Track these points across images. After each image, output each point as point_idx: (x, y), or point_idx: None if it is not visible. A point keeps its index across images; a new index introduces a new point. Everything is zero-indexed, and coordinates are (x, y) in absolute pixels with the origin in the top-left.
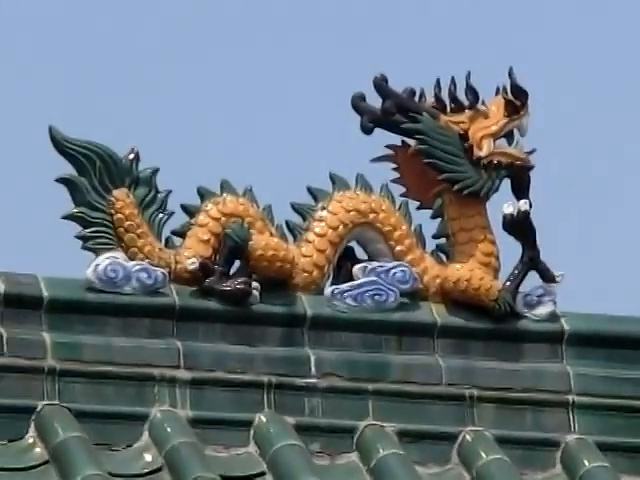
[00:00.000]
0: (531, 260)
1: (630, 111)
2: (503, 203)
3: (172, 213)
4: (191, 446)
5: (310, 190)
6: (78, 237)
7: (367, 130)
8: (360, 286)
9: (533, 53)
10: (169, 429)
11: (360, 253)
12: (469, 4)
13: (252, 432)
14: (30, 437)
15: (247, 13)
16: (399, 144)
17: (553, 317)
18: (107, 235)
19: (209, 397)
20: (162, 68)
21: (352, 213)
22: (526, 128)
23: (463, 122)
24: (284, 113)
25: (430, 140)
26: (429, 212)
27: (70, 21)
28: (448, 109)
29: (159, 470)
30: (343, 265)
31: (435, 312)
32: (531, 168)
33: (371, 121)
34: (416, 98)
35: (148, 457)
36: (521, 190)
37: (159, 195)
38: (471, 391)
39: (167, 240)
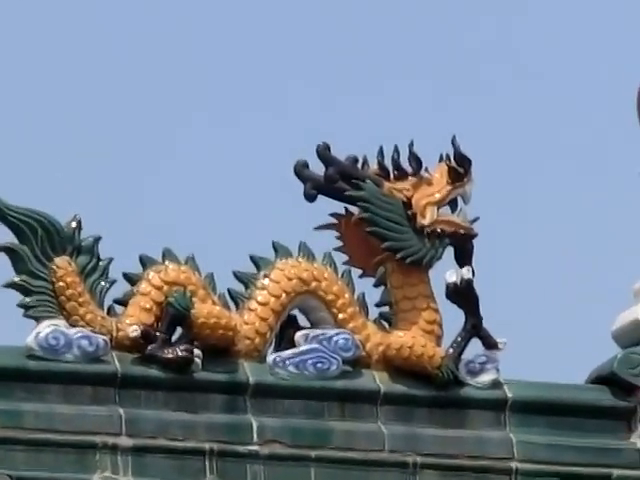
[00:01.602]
0: (474, 327)
1: (575, 169)
2: (446, 270)
3: (114, 281)
4: None
5: (252, 258)
6: (20, 305)
7: (310, 197)
8: (302, 353)
9: (476, 121)
10: None
11: (303, 321)
12: (412, 73)
13: None
14: None
15: (191, 85)
16: (342, 212)
17: (496, 384)
18: (49, 303)
19: (151, 464)
20: (103, 136)
21: (294, 281)
22: (470, 196)
23: (407, 189)
24: (226, 180)
25: (373, 208)
26: (372, 280)
27: (10, 91)
28: (391, 176)
29: None
30: (285, 333)
31: (378, 379)
32: (474, 236)
33: (314, 188)
34: (359, 165)
35: None
36: (464, 258)
37: (101, 263)
38: (414, 458)
39: (109, 308)
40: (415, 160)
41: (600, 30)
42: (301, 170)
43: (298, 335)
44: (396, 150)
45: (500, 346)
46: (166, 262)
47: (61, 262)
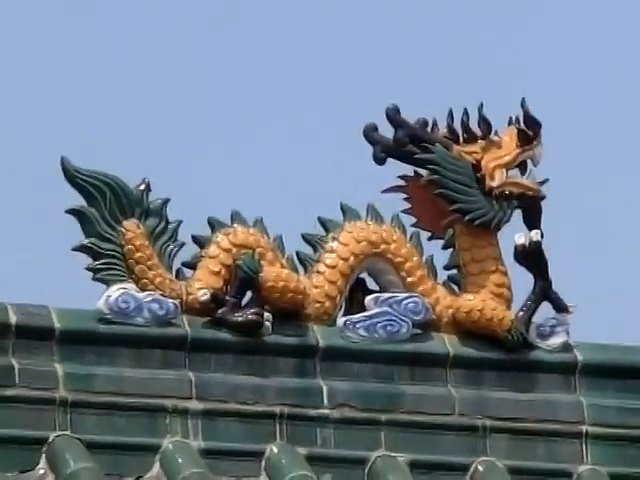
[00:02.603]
0: (543, 290)
1: None
2: (515, 233)
3: (183, 244)
4: (202, 476)
5: (321, 220)
6: (89, 269)
7: (379, 160)
8: (372, 317)
9: (546, 83)
10: (180, 460)
11: (371, 284)
12: (483, 36)
13: (264, 463)
14: (41, 468)
15: (256, 44)
16: (412, 175)
17: (566, 347)
18: (118, 266)
19: (221, 428)
20: (172, 100)
21: (363, 244)
22: (539, 158)
23: (476, 152)
24: (295, 142)
25: (442, 170)
26: (441, 242)
27: (80, 58)
28: (461, 139)
29: None
30: (355, 296)
31: (447, 343)
32: (543, 198)
33: (383, 151)
34: (428, 128)
35: None
36: (533, 220)
37: (170, 226)
38: (483, 421)
39: (178, 271)
40: (484, 123)
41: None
42: (370, 133)
43: (368, 298)
44: (465, 113)
45: (571, 309)
46: (234, 225)
47: (130, 225)
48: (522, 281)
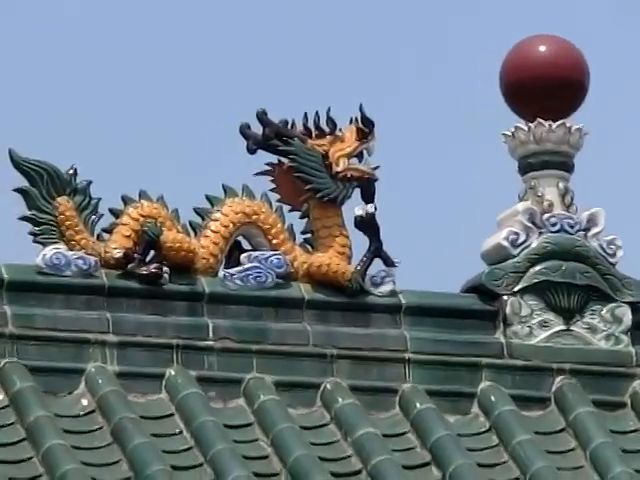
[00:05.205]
0: (376, 250)
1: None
2: (355, 206)
3: (102, 215)
4: (117, 393)
5: (207, 197)
6: (31, 233)
7: (251, 151)
8: (245, 270)
9: (379, 89)
10: (100, 380)
11: (246, 245)
12: (335, 50)
13: (164, 382)
14: None
15: (159, 58)
16: (276, 162)
17: (393, 293)
18: (52, 232)
19: (131, 356)
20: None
21: (239, 215)
22: (372, 150)
23: (324, 145)
24: (189, 139)
25: (299, 159)
26: (298, 214)
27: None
28: (313, 135)
29: (93, 412)
30: (233, 254)
31: (303, 290)
32: (376, 180)
33: (254, 144)
34: (289, 127)
35: (84, 402)
36: (368, 197)
37: (92, 201)
38: (331, 350)
39: (98, 235)
40: (331, 122)
41: None
42: (244, 130)
43: (242, 256)
44: (317, 115)
45: (396, 264)
46: (142, 200)
47: (62, 200)
48: (360, 243)
